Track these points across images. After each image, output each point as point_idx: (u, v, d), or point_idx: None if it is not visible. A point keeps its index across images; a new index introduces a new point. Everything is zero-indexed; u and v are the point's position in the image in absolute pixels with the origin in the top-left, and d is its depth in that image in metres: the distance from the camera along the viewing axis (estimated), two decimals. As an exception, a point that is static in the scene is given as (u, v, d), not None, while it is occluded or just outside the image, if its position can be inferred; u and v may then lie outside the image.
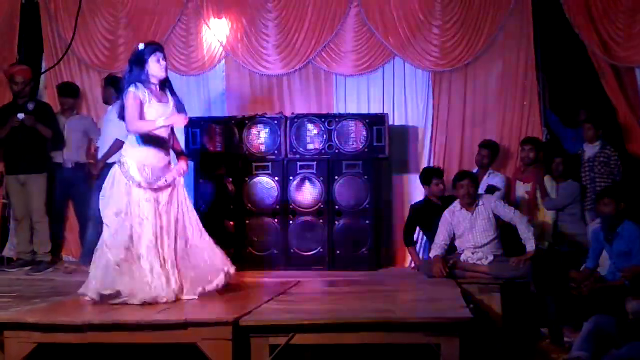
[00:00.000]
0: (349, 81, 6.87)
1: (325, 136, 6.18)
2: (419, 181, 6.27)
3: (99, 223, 4.59)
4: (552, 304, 4.91)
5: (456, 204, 5.63)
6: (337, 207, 6.11)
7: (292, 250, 6.12)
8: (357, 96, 6.84)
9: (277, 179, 6.16)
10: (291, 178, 6.16)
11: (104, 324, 3.72)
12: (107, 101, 6.40)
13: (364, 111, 6.55)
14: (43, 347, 3.72)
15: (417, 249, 6.29)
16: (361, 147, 6.14)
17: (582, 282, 4.90)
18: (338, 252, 6.09)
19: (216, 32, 6.93)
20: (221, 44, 6.94)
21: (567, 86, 6.53)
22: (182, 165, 4.61)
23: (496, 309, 5.04)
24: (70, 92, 6.68)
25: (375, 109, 6.61)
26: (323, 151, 6.18)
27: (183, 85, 6.70)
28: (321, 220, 6.11)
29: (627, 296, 4.48)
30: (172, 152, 4.66)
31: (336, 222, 6.10)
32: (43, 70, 7.01)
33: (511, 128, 6.60)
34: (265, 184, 6.18)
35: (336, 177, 6.13)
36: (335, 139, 6.17)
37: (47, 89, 7.14)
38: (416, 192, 6.35)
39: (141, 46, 4.60)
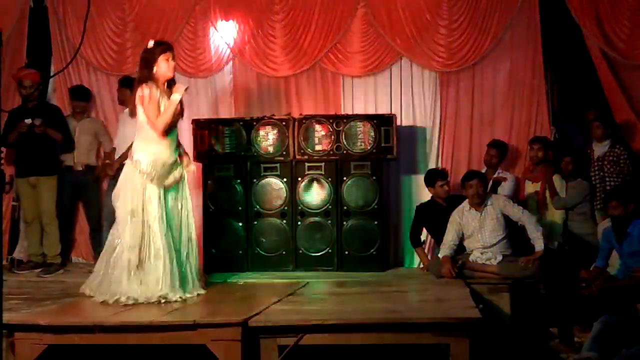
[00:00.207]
0: (356, 82, 6.87)
1: (333, 137, 6.18)
2: (425, 182, 6.27)
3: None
4: (562, 304, 4.89)
5: (465, 204, 5.62)
6: (345, 207, 6.11)
7: (300, 251, 6.13)
8: (364, 97, 6.83)
9: (285, 180, 6.17)
10: (299, 179, 6.17)
11: (114, 325, 3.75)
12: (122, 102, 6.46)
13: (371, 112, 6.55)
14: (53, 348, 3.75)
15: (425, 249, 6.28)
16: (369, 147, 6.14)
17: (592, 282, 4.88)
18: (346, 252, 6.08)
19: (223, 34, 6.95)
20: (228, 46, 6.96)
21: (575, 85, 6.51)
22: (188, 160, 4.73)
23: (505, 308, 5.03)
24: (82, 95, 6.73)
25: (383, 110, 6.60)
26: (331, 152, 6.18)
27: (191, 87, 6.66)
28: (329, 221, 6.11)
29: (637, 296, 4.46)
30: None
31: (344, 223, 6.10)
32: (52, 73, 7.05)
33: (519, 127, 6.58)
34: (274, 185, 6.18)
35: (344, 178, 6.12)
36: (343, 140, 6.17)
37: (56, 92, 7.19)
38: (424, 192, 6.34)
39: (150, 44, 4.65)
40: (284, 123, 6.24)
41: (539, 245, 5.32)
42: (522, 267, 5.29)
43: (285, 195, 6.15)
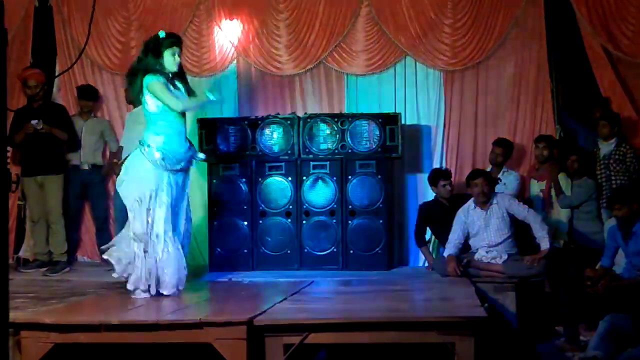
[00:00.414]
0: (360, 80, 6.87)
1: (338, 136, 6.18)
2: (429, 181, 6.26)
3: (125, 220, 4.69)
4: (567, 303, 4.88)
5: (470, 203, 5.62)
6: (350, 206, 6.11)
7: (305, 250, 6.13)
8: (368, 96, 6.83)
9: (290, 179, 6.17)
10: (304, 178, 6.17)
11: (120, 324, 3.75)
12: (130, 100, 6.48)
13: (375, 110, 6.53)
14: (59, 347, 3.76)
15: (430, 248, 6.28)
16: (374, 146, 6.13)
17: (598, 281, 4.86)
18: (351, 251, 6.08)
19: (227, 33, 6.95)
20: (232, 45, 6.96)
21: (580, 83, 6.49)
22: (195, 151, 4.75)
23: (511, 307, 5.02)
24: (90, 95, 6.76)
25: (387, 108, 6.60)
26: (336, 151, 6.18)
27: (195, 86, 6.67)
28: (334, 220, 6.11)
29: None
30: None
31: (349, 222, 6.10)
32: (57, 73, 7.07)
33: (524, 126, 6.57)
34: (279, 184, 6.19)
35: (349, 177, 6.12)
36: (348, 139, 6.16)
37: (61, 91, 7.20)
38: (429, 190, 6.33)
39: (161, 34, 4.64)
40: (288, 122, 6.24)
41: (544, 244, 5.31)
42: (527, 266, 5.29)
43: (290, 194, 6.16)
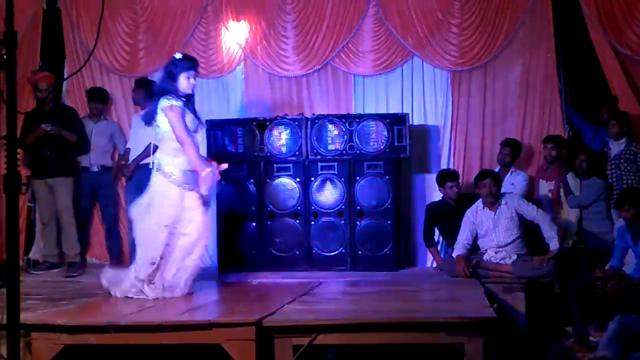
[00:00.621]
0: (368, 81, 6.87)
1: (346, 137, 6.18)
2: (437, 181, 6.25)
3: None
4: (577, 303, 4.87)
5: (479, 203, 5.61)
6: (358, 207, 6.10)
7: (313, 251, 6.13)
8: (375, 96, 6.83)
9: (298, 180, 6.17)
10: (312, 179, 6.17)
11: (129, 325, 3.77)
12: (137, 102, 6.51)
13: (383, 111, 6.54)
14: (70, 348, 3.78)
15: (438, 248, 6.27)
16: (382, 147, 6.13)
17: (607, 281, 4.85)
18: (360, 252, 6.08)
19: (235, 35, 6.97)
20: (240, 47, 6.98)
21: (589, 82, 6.46)
22: (213, 171, 4.63)
23: (520, 308, 5.01)
24: (100, 97, 6.79)
25: (394, 109, 6.59)
26: (344, 152, 6.18)
27: (202, 88, 6.74)
28: (343, 221, 6.11)
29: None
30: None
31: (358, 223, 6.09)
32: (65, 75, 7.10)
33: (532, 126, 6.54)
34: (287, 185, 6.19)
35: (357, 178, 6.12)
36: (356, 139, 6.16)
37: (70, 93, 7.24)
38: (437, 191, 6.32)
39: (178, 56, 4.66)
40: (296, 123, 6.24)
41: (553, 244, 5.30)
42: (536, 266, 5.28)
43: (298, 195, 6.16)
